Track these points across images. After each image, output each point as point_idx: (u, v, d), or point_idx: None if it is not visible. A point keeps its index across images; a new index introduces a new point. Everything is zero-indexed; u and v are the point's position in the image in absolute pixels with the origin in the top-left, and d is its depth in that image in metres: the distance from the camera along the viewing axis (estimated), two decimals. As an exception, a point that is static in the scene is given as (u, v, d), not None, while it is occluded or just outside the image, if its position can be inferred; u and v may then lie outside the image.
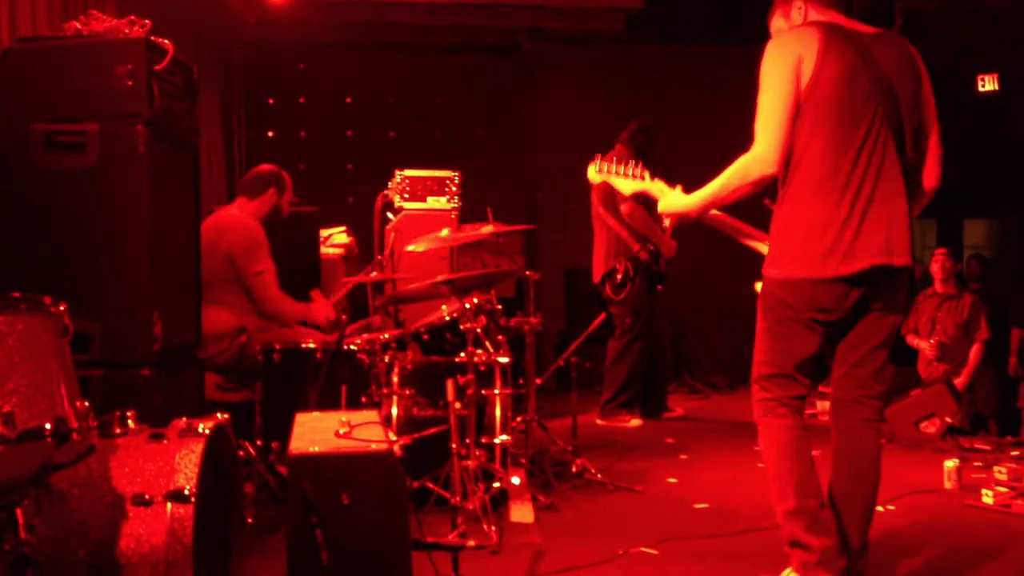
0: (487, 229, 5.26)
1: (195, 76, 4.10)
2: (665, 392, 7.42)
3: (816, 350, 3.21)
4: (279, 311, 5.23)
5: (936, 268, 7.82)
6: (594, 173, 3.61)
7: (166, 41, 3.74)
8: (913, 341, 7.84)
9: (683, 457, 5.86)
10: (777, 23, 3.41)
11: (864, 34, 3.20)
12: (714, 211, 3.48)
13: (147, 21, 3.74)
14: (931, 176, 3.31)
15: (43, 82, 3.67)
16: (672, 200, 3.43)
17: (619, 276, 6.75)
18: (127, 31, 3.71)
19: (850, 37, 3.15)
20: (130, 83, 3.61)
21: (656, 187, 3.50)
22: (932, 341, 7.63)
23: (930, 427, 6.38)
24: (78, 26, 3.74)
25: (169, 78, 3.82)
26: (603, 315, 6.00)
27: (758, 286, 3.39)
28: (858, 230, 3.08)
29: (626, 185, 3.56)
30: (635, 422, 6.85)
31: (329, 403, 4.46)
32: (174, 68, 3.85)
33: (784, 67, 3.10)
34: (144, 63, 3.64)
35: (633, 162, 3.56)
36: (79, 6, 5.01)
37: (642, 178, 3.52)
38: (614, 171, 3.55)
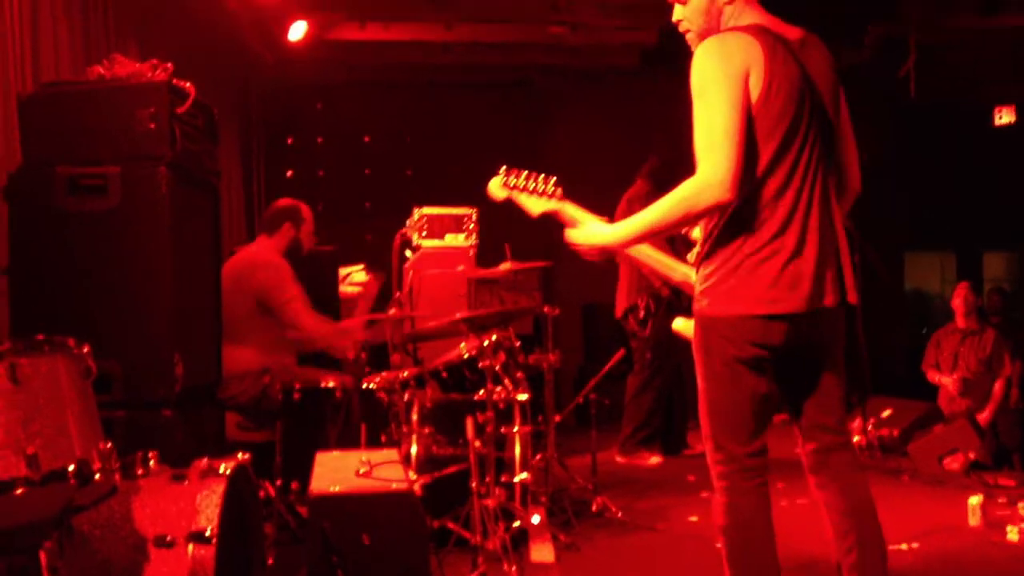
0: (505, 266, 5.28)
1: (216, 118, 4.14)
2: (685, 428, 7.38)
3: (767, 391, 2.87)
4: (318, 334, 5.26)
5: (958, 302, 7.76)
6: (498, 188, 3.19)
7: (188, 84, 3.78)
8: (934, 377, 7.78)
9: (704, 495, 5.80)
10: (691, 15, 2.96)
11: (792, 40, 2.87)
12: (645, 249, 3.12)
13: (169, 64, 3.78)
14: (856, 181, 3.05)
15: (67, 126, 3.72)
16: (591, 232, 3.04)
17: (641, 312, 6.74)
18: (150, 75, 3.75)
19: (786, 45, 2.83)
20: (152, 126, 3.66)
21: (569, 211, 3.13)
22: (955, 376, 7.57)
23: (953, 463, 6.32)
24: (101, 71, 3.79)
25: (191, 120, 3.86)
26: (622, 351, 5.98)
27: (679, 324, 3.07)
28: (813, 263, 2.80)
29: (535, 204, 3.16)
30: (655, 459, 6.81)
31: (349, 442, 4.45)
32: (195, 110, 3.89)
33: (732, 79, 2.73)
34: (166, 106, 3.68)
35: (544, 176, 3.17)
36: (102, 50, 5.07)
37: (555, 198, 3.14)
38: (522, 186, 3.16)
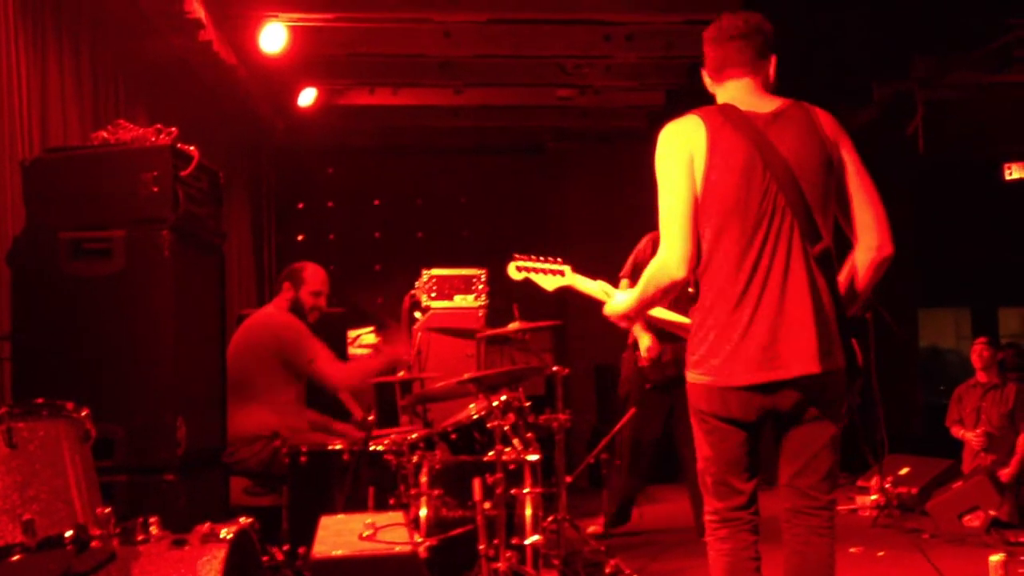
0: (514, 326, 5.25)
1: (221, 180, 4.16)
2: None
3: (743, 455, 2.98)
4: (352, 380, 5.30)
5: (975, 358, 7.68)
6: (514, 272, 3.44)
7: (192, 147, 3.81)
8: (959, 432, 7.68)
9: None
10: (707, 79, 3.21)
11: (761, 116, 2.98)
12: (659, 312, 3.27)
13: (173, 129, 3.81)
14: (883, 244, 3.01)
15: (70, 191, 3.74)
16: (610, 305, 3.24)
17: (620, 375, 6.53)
18: (153, 139, 3.78)
19: (744, 123, 2.95)
20: (156, 189, 3.67)
21: (580, 284, 3.30)
22: (978, 432, 7.47)
23: (974, 520, 6.21)
24: (105, 135, 3.83)
25: (195, 183, 3.88)
26: (632, 411, 5.92)
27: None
28: (767, 337, 2.86)
29: (548, 282, 3.37)
30: (592, 528, 6.21)
31: (356, 505, 4.40)
32: (200, 173, 3.91)
33: (678, 167, 2.96)
34: (169, 169, 3.70)
35: (553, 257, 3.38)
36: (111, 118, 5.12)
37: (565, 274, 3.35)
38: (535, 267, 3.37)
